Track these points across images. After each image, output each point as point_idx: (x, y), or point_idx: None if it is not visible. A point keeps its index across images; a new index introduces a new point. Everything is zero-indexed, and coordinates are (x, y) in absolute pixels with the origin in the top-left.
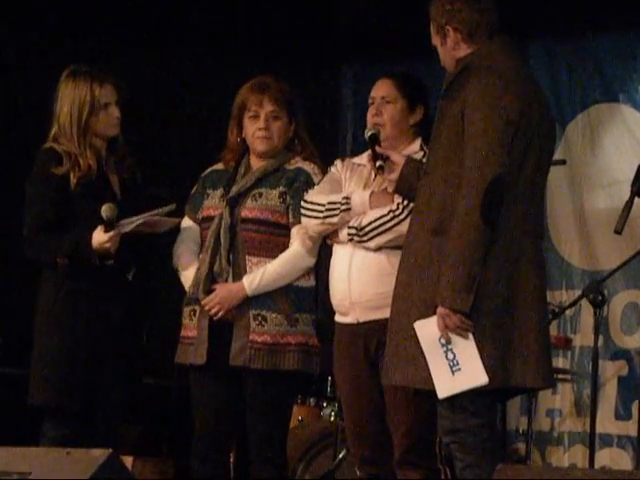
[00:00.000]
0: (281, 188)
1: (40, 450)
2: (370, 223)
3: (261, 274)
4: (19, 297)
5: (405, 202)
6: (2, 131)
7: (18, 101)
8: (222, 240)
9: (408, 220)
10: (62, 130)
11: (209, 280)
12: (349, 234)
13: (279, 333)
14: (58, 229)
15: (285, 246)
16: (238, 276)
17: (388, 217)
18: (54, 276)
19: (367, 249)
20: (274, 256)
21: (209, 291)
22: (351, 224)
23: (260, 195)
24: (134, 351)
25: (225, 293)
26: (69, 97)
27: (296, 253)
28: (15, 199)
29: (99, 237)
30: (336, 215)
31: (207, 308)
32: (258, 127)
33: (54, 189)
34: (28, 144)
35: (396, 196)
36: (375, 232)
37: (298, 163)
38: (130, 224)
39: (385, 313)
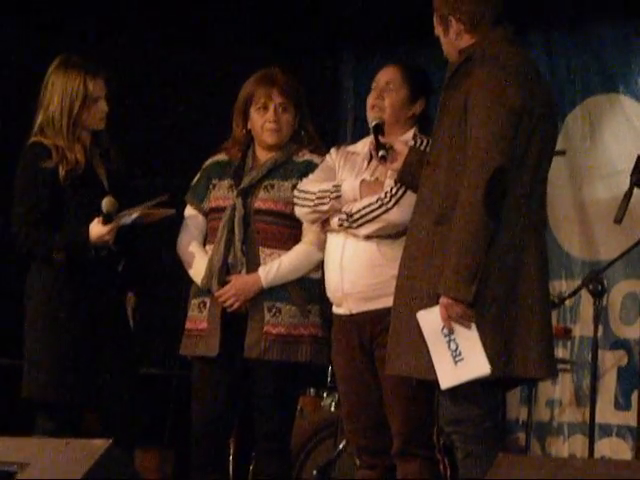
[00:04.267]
0: (293, 180)
1: (39, 440)
2: (359, 210)
3: (277, 266)
4: (10, 287)
5: (394, 191)
6: None
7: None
8: (236, 231)
9: (396, 209)
10: (50, 121)
11: (223, 272)
12: (340, 219)
13: (292, 325)
14: (50, 223)
15: (297, 238)
16: (252, 268)
17: (376, 205)
18: (47, 270)
19: (357, 238)
20: (287, 248)
21: (223, 283)
22: (342, 211)
23: (272, 186)
24: (127, 342)
25: (241, 285)
26: (60, 88)
27: (310, 246)
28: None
29: (98, 230)
30: (326, 203)
31: (222, 300)
32: (267, 119)
33: (44, 183)
34: (13, 136)
35: (385, 185)
36: (363, 220)
37: (306, 155)
38: (128, 217)
39: (377, 304)
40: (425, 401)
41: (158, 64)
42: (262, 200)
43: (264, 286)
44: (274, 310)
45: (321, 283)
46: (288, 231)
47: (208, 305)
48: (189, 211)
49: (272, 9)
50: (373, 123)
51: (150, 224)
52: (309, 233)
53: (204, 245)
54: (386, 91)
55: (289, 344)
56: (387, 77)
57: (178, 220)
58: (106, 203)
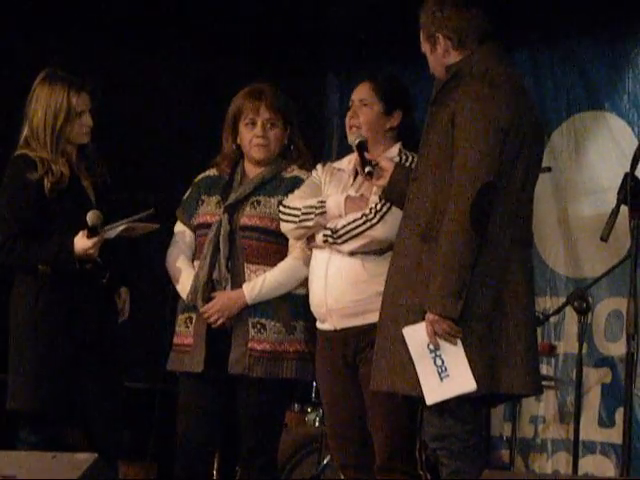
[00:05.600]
0: (280, 196)
1: (25, 454)
2: (344, 226)
3: (261, 282)
4: None
5: (378, 207)
6: None
7: None
8: (221, 247)
9: (380, 225)
10: (34, 134)
11: (208, 288)
12: (324, 235)
13: (278, 341)
14: (35, 235)
15: (283, 254)
16: (237, 284)
17: (361, 221)
18: (32, 283)
19: (342, 254)
20: (272, 264)
21: (208, 299)
22: (327, 227)
23: (259, 203)
24: (112, 355)
25: (225, 301)
26: (44, 102)
27: (295, 262)
28: None
29: (83, 243)
30: (311, 219)
31: (206, 316)
32: (255, 134)
33: (30, 195)
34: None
35: (370, 201)
36: (348, 236)
37: (295, 171)
38: (113, 230)
39: (361, 320)
40: (408, 417)
41: (149, 78)
42: (248, 216)
43: (248, 302)
44: (259, 326)
45: (307, 299)
46: (274, 247)
47: (194, 321)
48: (178, 227)
49: (258, 25)
50: (356, 141)
51: (135, 238)
52: (295, 249)
53: (193, 261)
54: (360, 109)
55: (274, 360)
56: (360, 95)
57: (166, 234)
58: (91, 216)
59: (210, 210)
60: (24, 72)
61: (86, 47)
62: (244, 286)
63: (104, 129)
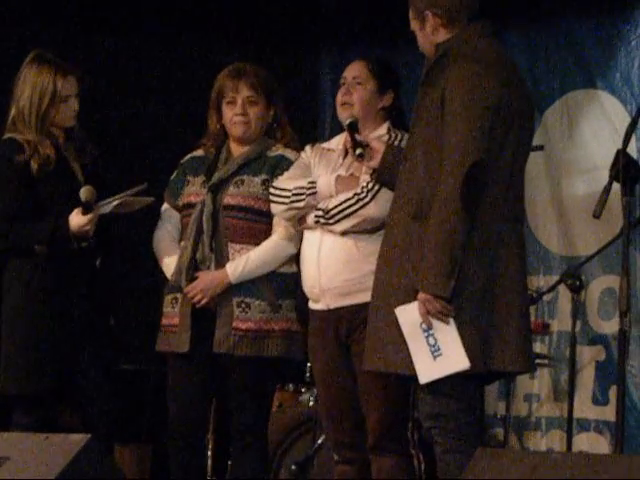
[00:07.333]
0: (263, 175)
1: (18, 435)
2: (336, 206)
3: (244, 262)
4: None
5: (370, 186)
6: None
7: None
8: (204, 227)
9: (373, 204)
10: (20, 115)
11: (192, 268)
12: (316, 216)
13: (262, 320)
14: (27, 217)
15: (268, 233)
16: (221, 263)
17: (353, 200)
18: (25, 264)
19: (334, 234)
20: (257, 243)
21: (192, 279)
22: (318, 207)
23: (242, 182)
24: (105, 336)
25: (208, 281)
26: (31, 83)
27: (279, 241)
28: None
29: (78, 220)
30: (302, 200)
31: (190, 296)
32: (235, 113)
33: (18, 178)
34: None
35: (361, 180)
36: (341, 215)
37: (279, 150)
38: (107, 205)
39: (354, 299)
40: (401, 396)
41: (141, 60)
42: (231, 196)
43: (232, 282)
44: (243, 305)
45: (295, 277)
46: (257, 226)
47: (180, 301)
48: (165, 207)
49: (252, 5)
50: (347, 121)
51: (129, 213)
52: (279, 228)
53: (180, 241)
54: (353, 86)
55: (259, 339)
56: (353, 72)
57: (157, 216)
58: (85, 192)
59: (195, 190)
60: (13, 56)
61: (74, 30)
62: (227, 265)
63: (93, 111)
